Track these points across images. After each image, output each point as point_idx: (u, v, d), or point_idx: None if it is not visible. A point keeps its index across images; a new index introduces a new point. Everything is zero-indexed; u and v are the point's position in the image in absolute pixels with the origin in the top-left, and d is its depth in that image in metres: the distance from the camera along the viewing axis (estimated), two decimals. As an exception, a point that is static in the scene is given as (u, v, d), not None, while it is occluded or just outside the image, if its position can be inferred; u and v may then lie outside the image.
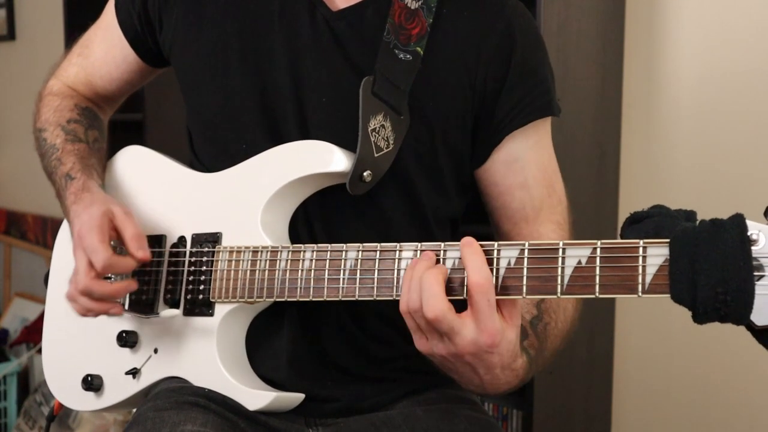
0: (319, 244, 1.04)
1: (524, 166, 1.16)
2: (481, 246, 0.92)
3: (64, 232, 1.32)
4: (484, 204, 1.22)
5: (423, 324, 0.91)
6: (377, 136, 1.08)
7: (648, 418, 2.19)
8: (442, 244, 0.95)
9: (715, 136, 2.03)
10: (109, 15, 1.31)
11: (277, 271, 1.06)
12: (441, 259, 0.94)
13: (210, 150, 1.21)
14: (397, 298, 0.96)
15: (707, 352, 2.06)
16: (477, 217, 1.33)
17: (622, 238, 0.88)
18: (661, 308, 1.99)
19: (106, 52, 1.33)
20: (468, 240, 0.92)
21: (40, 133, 1.31)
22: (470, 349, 0.90)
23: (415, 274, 0.92)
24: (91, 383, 1.21)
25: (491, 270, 0.90)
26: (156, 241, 1.18)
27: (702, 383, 2.08)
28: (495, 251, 0.92)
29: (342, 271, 1.01)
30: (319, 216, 1.13)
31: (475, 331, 0.89)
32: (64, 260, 1.31)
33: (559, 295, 0.88)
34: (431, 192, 1.17)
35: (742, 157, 1.99)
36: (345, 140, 1.08)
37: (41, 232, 3.71)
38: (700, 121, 2.05)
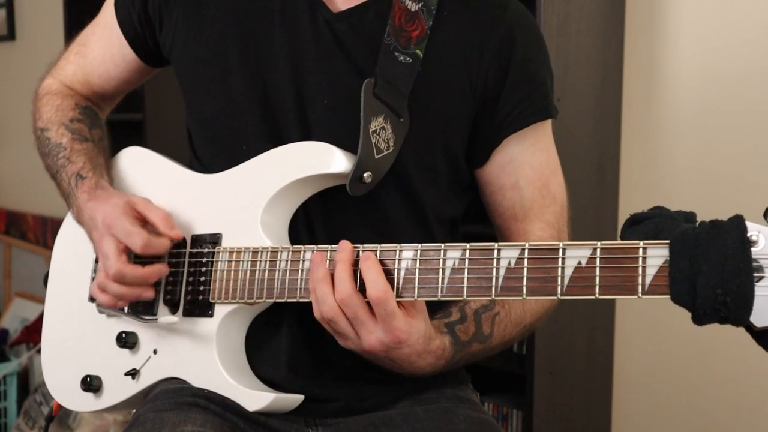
0: (320, 245, 1.04)
1: (517, 167, 1.17)
2: (482, 246, 0.93)
3: (64, 234, 1.32)
4: (481, 199, 1.24)
5: (352, 313, 0.98)
6: (378, 137, 1.08)
7: (648, 418, 2.19)
8: (442, 245, 0.96)
9: (715, 136, 2.03)
10: (107, 14, 1.31)
11: (277, 272, 1.06)
12: (442, 259, 0.96)
13: (210, 150, 1.21)
14: (398, 299, 0.98)
15: (707, 352, 2.06)
16: (477, 217, 1.33)
17: (622, 239, 0.89)
18: (662, 308, 1.99)
19: (104, 51, 1.32)
20: (365, 255, 0.98)
21: (43, 132, 1.30)
22: (379, 347, 0.98)
23: (342, 268, 0.98)
24: (90, 384, 1.21)
25: (492, 269, 0.93)
26: (155, 241, 1.18)
27: (702, 383, 2.08)
28: (495, 251, 0.92)
29: None
30: (319, 216, 1.13)
31: (381, 331, 0.97)
32: (64, 261, 1.31)
33: (559, 296, 0.89)
34: (431, 192, 1.17)
35: (742, 157, 1.99)
36: (346, 141, 1.08)
37: (41, 232, 3.71)
38: (699, 121, 2.05)
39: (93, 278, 1.23)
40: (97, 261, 1.20)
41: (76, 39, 1.38)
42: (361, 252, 1.00)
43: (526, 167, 1.18)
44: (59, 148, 1.25)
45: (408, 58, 1.11)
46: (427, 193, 1.16)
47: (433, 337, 1.03)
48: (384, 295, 0.96)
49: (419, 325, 1.00)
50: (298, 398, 1.12)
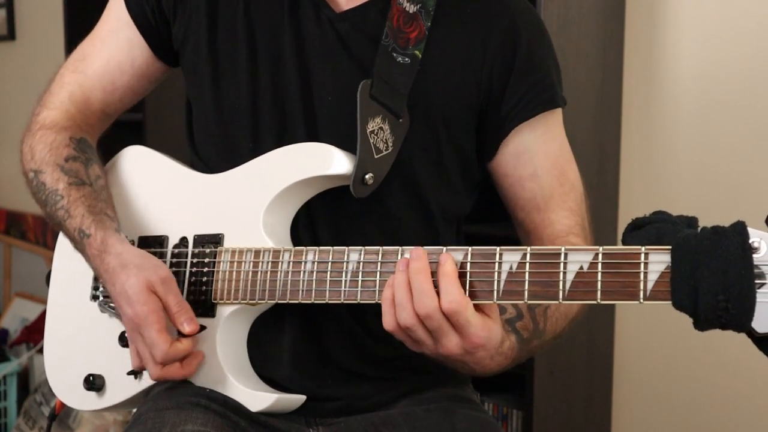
0: (321, 247, 1.04)
1: (533, 157, 1.17)
2: (483, 250, 0.93)
3: (65, 233, 1.32)
4: (499, 194, 1.23)
5: (435, 326, 0.93)
6: (376, 137, 1.08)
7: (648, 418, 2.19)
8: (444, 248, 0.96)
9: (715, 136, 2.03)
10: (110, 19, 1.28)
11: (279, 273, 1.06)
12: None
13: (214, 148, 1.21)
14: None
15: (708, 352, 2.06)
16: (478, 218, 1.33)
17: (623, 244, 0.89)
18: (662, 308, 1.98)
19: (107, 60, 1.27)
20: (442, 258, 0.94)
21: (37, 175, 1.24)
22: (458, 351, 0.94)
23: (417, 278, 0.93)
24: (93, 383, 1.21)
25: (494, 273, 0.92)
26: (158, 241, 1.18)
27: (702, 383, 2.08)
28: (497, 255, 0.92)
29: (344, 273, 1.01)
30: (323, 217, 1.14)
31: (460, 339, 0.94)
32: (67, 260, 1.30)
33: (560, 300, 0.89)
34: (438, 190, 1.17)
35: (743, 157, 1.99)
36: (349, 140, 1.09)
37: (41, 232, 3.71)
38: (700, 120, 2.05)
39: (94, 278, 1.23)
40: None
41: (68, 60, 1.31)
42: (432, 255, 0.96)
43: (541, 156, 1.18)
44: (56, 196, 1.19)
45: (406, 59, 1.11)
46: (434, 190, 1.17)
47: (504, 339, 1.01)
48: (458, 307, 0.92)
49: (496, 328, 0.96)
50: (300, 399, 1.13)
